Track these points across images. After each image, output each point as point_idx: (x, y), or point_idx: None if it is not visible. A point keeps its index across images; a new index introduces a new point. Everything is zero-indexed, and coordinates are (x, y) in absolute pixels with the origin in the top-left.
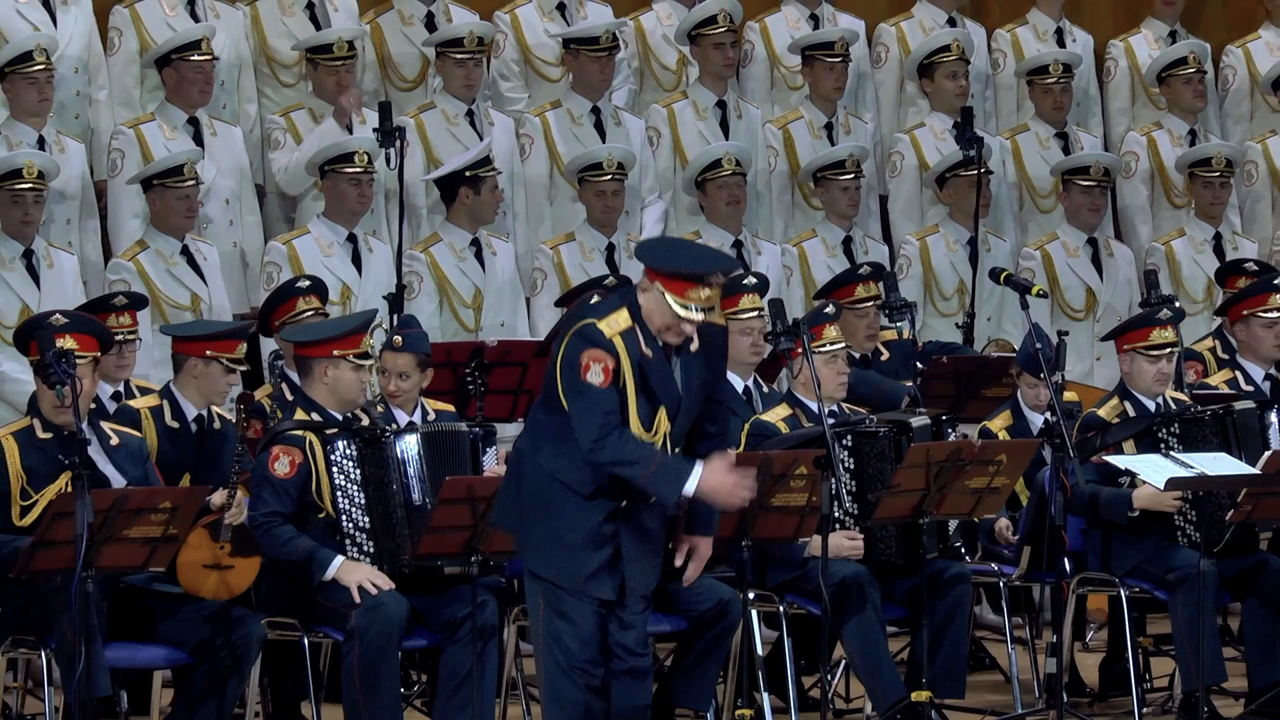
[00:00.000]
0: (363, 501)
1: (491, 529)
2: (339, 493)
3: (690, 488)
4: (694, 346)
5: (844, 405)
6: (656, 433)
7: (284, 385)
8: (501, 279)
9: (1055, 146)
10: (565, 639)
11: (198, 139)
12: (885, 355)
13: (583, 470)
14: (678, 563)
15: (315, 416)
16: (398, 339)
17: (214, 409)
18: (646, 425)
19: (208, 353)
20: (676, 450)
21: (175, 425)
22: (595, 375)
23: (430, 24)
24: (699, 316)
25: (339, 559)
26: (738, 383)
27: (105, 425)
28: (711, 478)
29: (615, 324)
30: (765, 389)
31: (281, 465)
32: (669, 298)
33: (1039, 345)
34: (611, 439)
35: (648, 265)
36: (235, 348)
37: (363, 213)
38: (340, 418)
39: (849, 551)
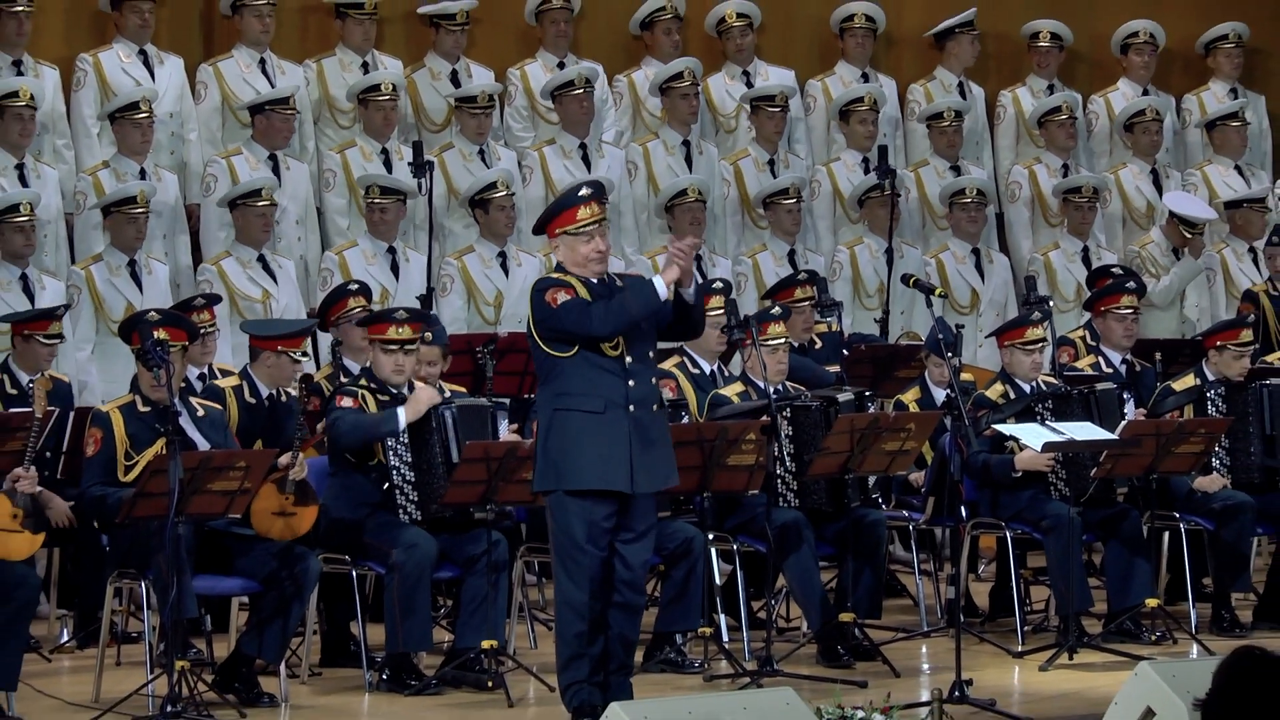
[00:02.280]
0: (409, 459)
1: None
2: (390, 452)
3: (660, 283)
4: (620, 284)
5: (786, 384)
6: (618, 348)
7: (340, 370)
8: (524, 285)
9: (949, 177)
10: (575, 533)
11: (276, 171)
12: (819, 345)
13: (587, 392)
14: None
15: (374, 386)
16: (427, 334)
17: (281, 388)
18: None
19: (279, 348)
20: (640, 364)
21: (252, 401)
22: (561, 296)
23: (455, 79)
24: (599, 230)
25: (400, 410)
26: (705, 365)
27: (193, 400)
28: (667, 272)
29: (558, 276)
30: (725, 372)
31: (345, 402)
32: (567, 232)
33: (941, 334)
34: (598, 313)
35: (540, 225)
36: (301, 344)
37: (393, 229)
38: (395, 391)
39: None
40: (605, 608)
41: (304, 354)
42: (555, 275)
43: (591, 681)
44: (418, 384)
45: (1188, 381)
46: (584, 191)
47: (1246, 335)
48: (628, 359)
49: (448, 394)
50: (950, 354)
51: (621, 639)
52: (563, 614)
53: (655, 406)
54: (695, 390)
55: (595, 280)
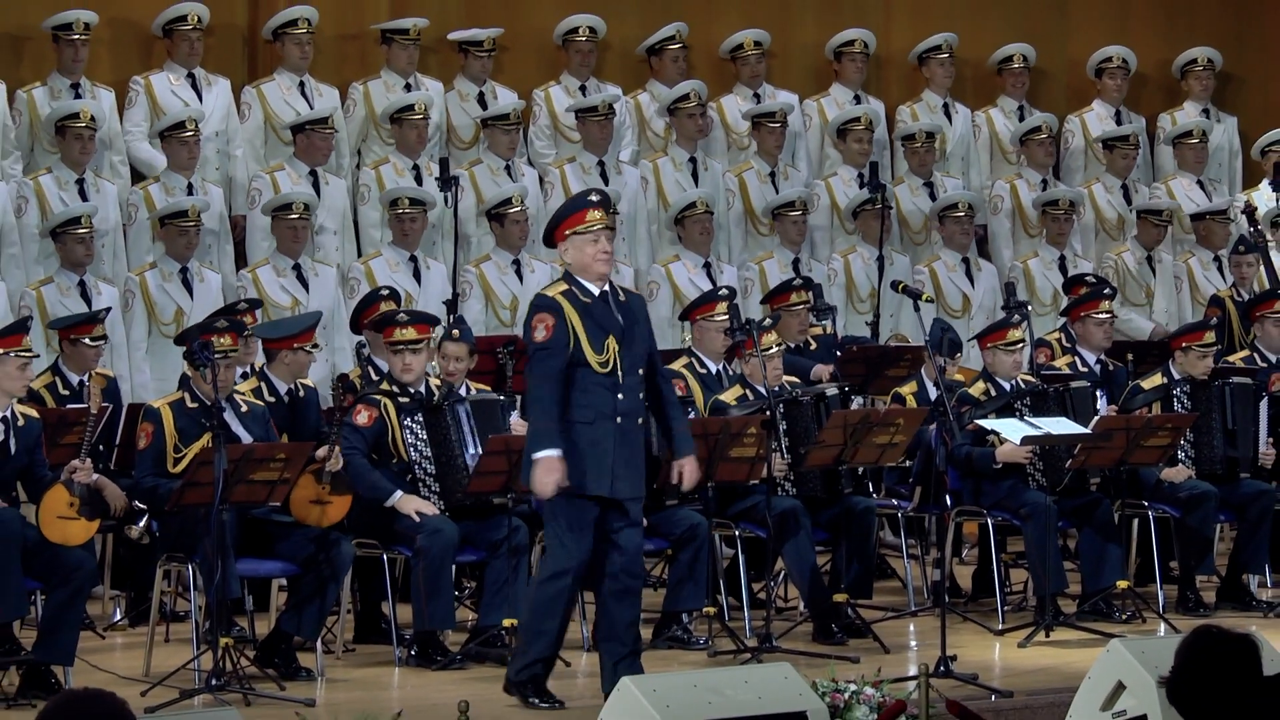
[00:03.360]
0: (430, 453)
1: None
2: (410, 448)
3: (535, 456)
4: (622, 297)
5: (784, 383)
6: (608, 353)
7: (370, 368)
8: (538, 289)
9: (924, 194)
10: (561, 525)
11: (315, 186)
12: (814, 346)
13: (578, 403)
14: (674, 479)
15: (394, 389)
16: (456, 332)
17: (300, 381)
18: (598, 349)
19: (294, 345)
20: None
21: (271, 400)
22: (540, 333)
23: (481, 100)
24: (607, 233)
25: (399, 492)
26: (711, 365)
27: (237, 396)
28: (537, 474)
29: (556, 287)
30: (730, 371)
31: (361, 417)
32: (577, 232)
33: (949, 336)
34: (546, 388)
35: (550, 229)
36: (311, 337)
37: (416, 239)
38: (414, 391)
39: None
40: (600, 598)
41: (315, 345)
42: (552, 294)
43: (541, 656)
44: (415, 500)
45: (1156, 380)
46: (593, 197)
47: (1209, 336)
48: (619, 374)
49: (473, 391)
50: (953, 355)
51: (626, 625)
52: (535, 593)
53: (639, 420)
54: (702, 389)
55: (597, 291)
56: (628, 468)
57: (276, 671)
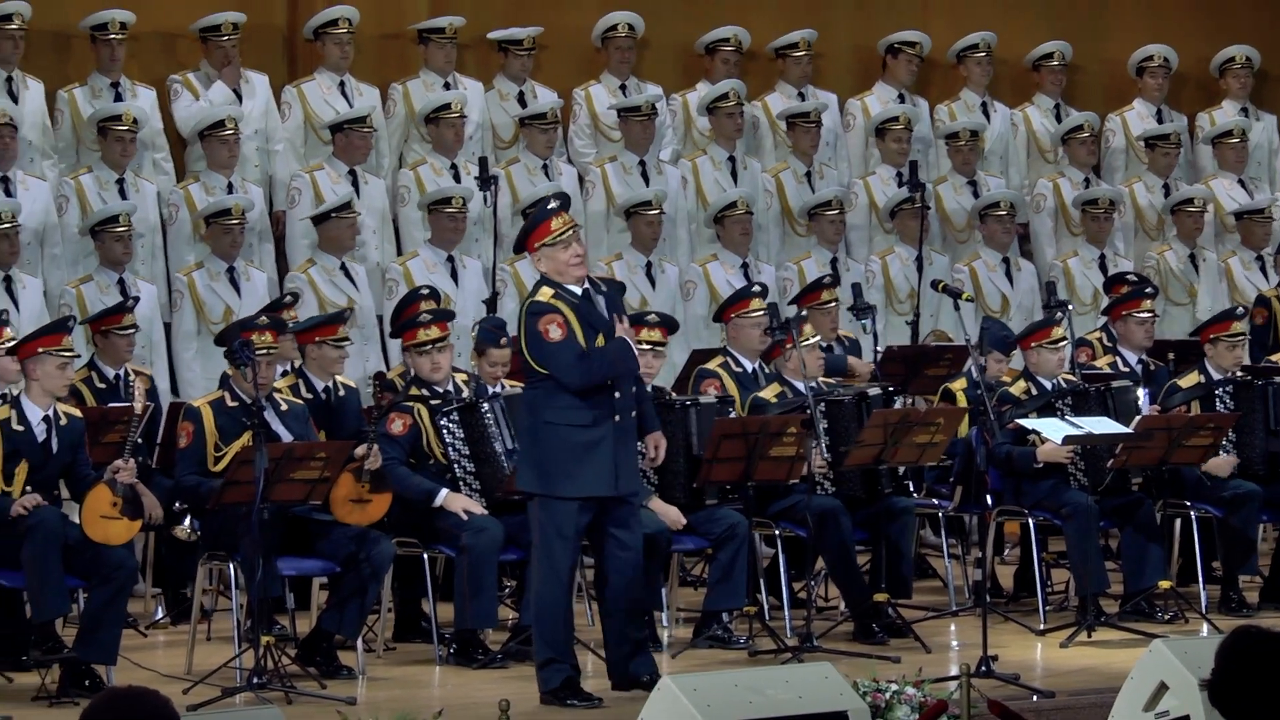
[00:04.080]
0: (467, 451)
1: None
2: (449, 447)
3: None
4: (603, 288)
5: (819, 381)
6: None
7: (410, 367)
8: None
9: (966, 192)
10: (559, 531)
11: (354, 185)
12: (846, 345)
13: (580, 409)
14: (649, 454)
15: (424, 392)
16: (504, 339)
17: (338, 379)
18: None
19: (317, 339)
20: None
21: (309, 397)
22: (554, 333)
23: (521, 99)
24: (573, 236)
25: (445, 491)
26: (747, 364)
27: (276, 394)
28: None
29: (544, 294)
30: (766, 370)
31: (396, 426)
32: (545, 244)
33: (988, 328)
34: (584, 366)
35: (519, 243)
36: (335, 331)
37: (458, 239)
38: (442, 391)
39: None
40: (607, 598)
41: (345, 340)
42: (543, 298)
43: (565, 660)
44: (462, 498)
45: (1192, 378)
46: (553, 204)
47: (1237, 327)
48: None
49: (506, 388)
50: (1006, 353)
51: (636, 619)
52: (543, 600)
53: (633, 414)
54: (739, 388)
55: (579, 290)
56: (628, 463)
57: (317, 670)
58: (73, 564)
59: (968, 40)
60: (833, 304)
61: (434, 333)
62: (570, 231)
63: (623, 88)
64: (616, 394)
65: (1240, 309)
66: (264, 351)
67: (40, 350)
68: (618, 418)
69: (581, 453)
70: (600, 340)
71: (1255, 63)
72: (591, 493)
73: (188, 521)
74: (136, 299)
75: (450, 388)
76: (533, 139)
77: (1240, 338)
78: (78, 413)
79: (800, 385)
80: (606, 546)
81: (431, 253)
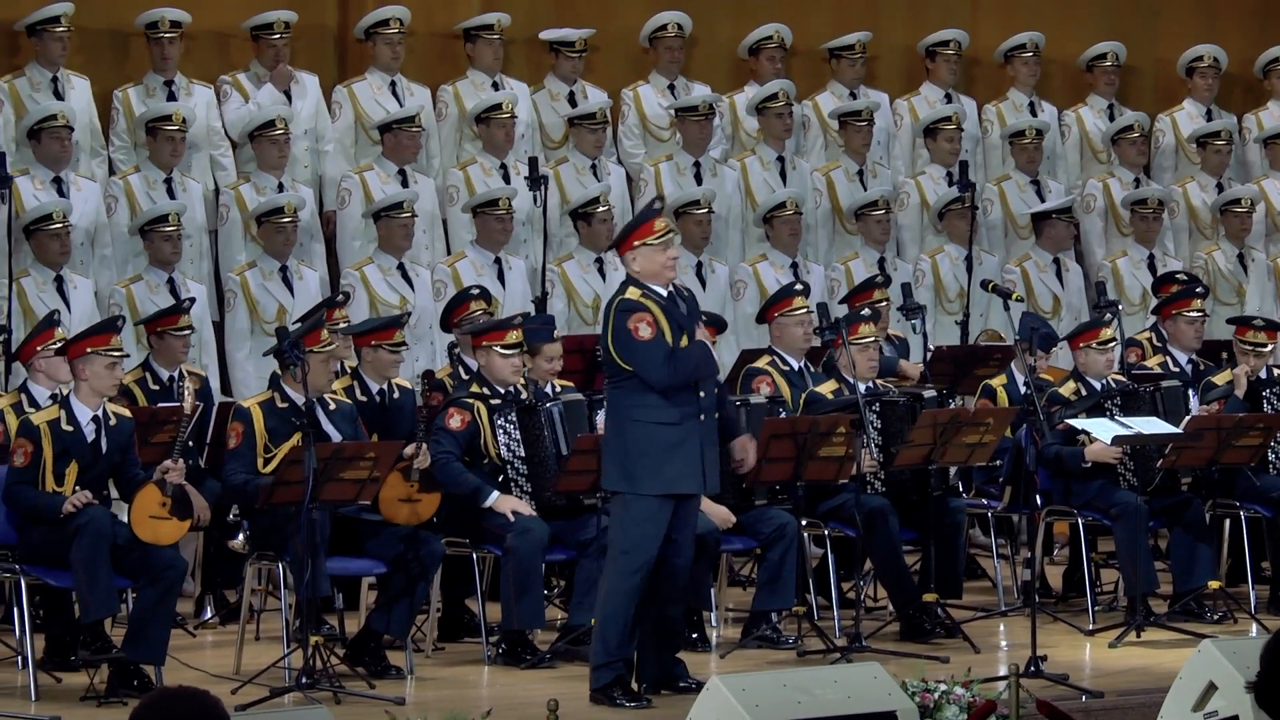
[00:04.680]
0: (522, 453)
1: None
2: (504, 447)
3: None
4: (685, 293)
5: (875, 381)
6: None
7: (460, 367)
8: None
9: (1030, 191)
10: (644, 532)
11: (404, 185)
12: (896, 346)
13: (665, 407)
14: (737, 457)
15: (485, 390)
16: (557, 332)
17: (394, 381)
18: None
19: (373, 342)
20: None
21: (364, 399)
22: (644, 331)
23: (572, 99)
24: (672, 239)
25: (496, 492)
26: (794, 362)
27: (326, 395)
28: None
29: (633, 293)
30: (813, 369)
31: (454, 421)
32: (647, 243)
33: (1036, 328)
34: (672, 366)
35: (621, 240)
36: (392, 335)
37: (505, 241)
38: (503, 391)
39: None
40: (657, 598)
41: (401, 344)
42: (633, 297)
43: (621, 660)
44: (511, 500)
45: (1226, 375)
46: (657, 205)
47: (1257, 336)
48: None
49: (558, 389)
50: (1047, 350)
51: (678, 617)
52: (614, 599)
53: (715, 414)
54: (789, 386)
55: (665, 292)
56: (714, 462)
57: (366, 670)
58: (121, 564)
59: (1015, 40)
60: (883, 304)
61: (518, 337)
62: (670, 234)
63: (671, 87)
64: (701, 393)
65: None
66: (318, 350)
67: (89, 350)
68: (703, 417)
69: (668, 450)
70: (684, 341)
71: None
72: (679, 490)
73: (241, 537)
74: (193, 300)
75: (512, 389)
76: (581, 139)
77: (1265, 344)
78: (127, 413)
79: (853, 382)
80: (662, 548)
81: (478, 254)
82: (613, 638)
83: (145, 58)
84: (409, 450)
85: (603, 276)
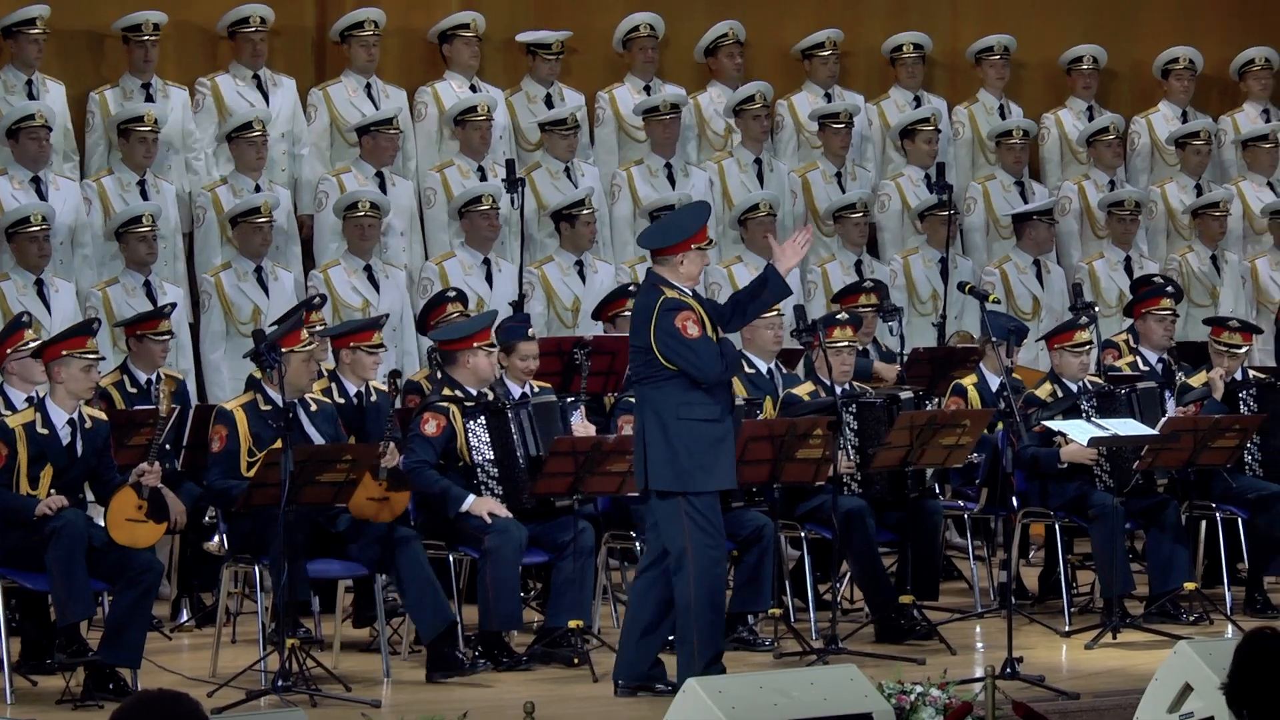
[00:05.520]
0: (492, 456)
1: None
2: (474, 451)
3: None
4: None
5: (851, 384)
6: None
7: (438, 370)
8: (600, 291)
9: (1014, 192)
10: (710, 529)
11: (382, 187)
12: (883, 352)
13: (709, 404)
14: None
15: (458, 393)
16: (532, 331)
17: (371, 383)
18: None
19: (351, 344)
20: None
21: (341, 401)
22: (692, 329)
23: (549, 102)
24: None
25: (472, 496)
26: (761, 364)
27: (308, 396)
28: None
29: (671, 291)
30: (784, 371)
31: (430, 426)
32: (700, 246)
33: (1005, 327)
34: (723, 362)
35: (679, 240)
36: (370, 337)
37: (493, 239)
38: (475, 394)
39: None
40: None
41: (378, 347)
42: (676, 295)
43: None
44: (488, 502)
45: (1202, 377)
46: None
47: (1232, 338)
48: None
49: (536, 390)
50: (1019, 343)
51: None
52: (708, 595)
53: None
54: (753, 389)
55: (692, 293)
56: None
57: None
58: (98, 567)
59: (984, 42)
60: (869, 309)
61: (490, 335)
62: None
63: (646, 89)
64: (730, 391)
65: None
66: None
67: (65, 353)
68: (732, 413)
69: (716, 446)
70: (715, 336)
71: (1275, 64)
72: (727, 485)
73: (217, 539)
74: (174, 305)
75: (484, 391)
76: (554, 144)
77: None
78: (103, 416)
79: (835, 386)
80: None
81: (468, 254)
82: (711, 636)
83: (121, 60)
84: (379, 449)
85: (583, 279)
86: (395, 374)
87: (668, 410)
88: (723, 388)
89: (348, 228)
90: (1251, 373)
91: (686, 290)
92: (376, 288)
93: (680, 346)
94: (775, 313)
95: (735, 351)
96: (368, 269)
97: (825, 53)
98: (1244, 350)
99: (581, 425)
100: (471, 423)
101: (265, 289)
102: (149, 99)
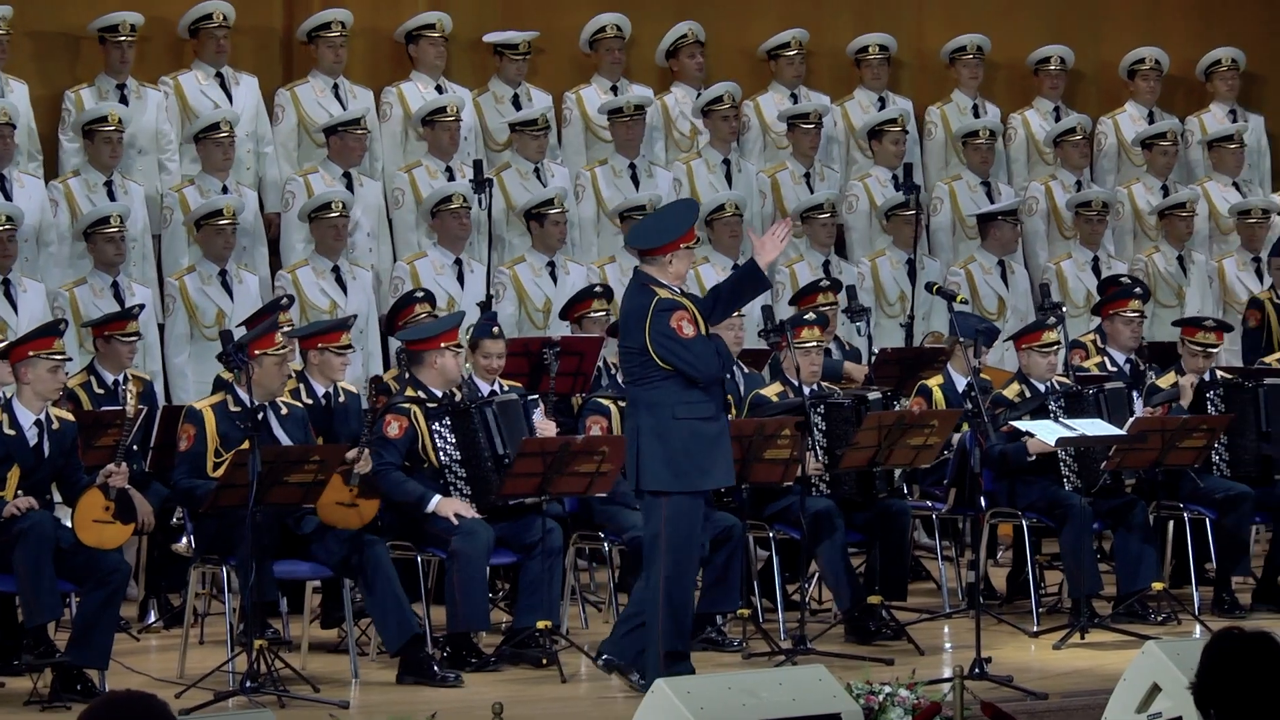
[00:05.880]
0: (458, 456)
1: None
2: (440, 452)
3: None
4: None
5: (820, 384)
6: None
7: (406, 371)
8: (572, 291)
9: (981, 192)
10: (694, 530)
11: (349, 187)
12: (846, 351)
13: (705, 402)
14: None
15: (420, 394)
16: (496, 329)
17: (340, 385)
18: None
19: (319, 345)
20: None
21: (309, 402)
22: (688, 329)
23: (516, 103)
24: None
25: (438, 496)
26: None
27: (279, 400)
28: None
29: (664, 291)
30: (745, 371)
31: (392, 429)
32: (689, 247)
33: (978, 327)
34: (720, 361)
35: (669, 240)
36: (339, 338)
37: (465, 239)
38: (440, 394)
39: None
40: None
41: (346, 347)
42: (669, 295)
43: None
44: (454, 502)
45: (1170, 378)
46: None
47: (1207, 337)
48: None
49: (504, 388)
50: (988, 344)
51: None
52: (679, 592)
53: None
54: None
55: (681, 291)
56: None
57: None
58: (65, 568)
59: (957, 42)
60: (828, 308)
61: (456, 335)
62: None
63: (614, 89)
64: (723, 389)
65: (1251, 322)
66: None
67: (31, 354)
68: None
69: (713, 445)
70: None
71: (1241, 64)
72: (723, 483)
73: (185, 540)
74: (142, 306)
75: (448, 391)
76: (523, 144)
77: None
78: (70, 416)
79: (803, 386)
80: None
81: (440, 254)
82: (679, 631)
83: (96, 60)
84: (351, 454)
85: (554, 280)
86: (377, 379)
87: (664, 411)
88: (717, 386)
89: (320, 229)
90: (1219, 373)
91: (676, 289)
92: (344, 289)
93: (677, 347)
94: (737, 314)
95: (727, 349)
96: (335, 270)
97: (791, 53)
98: (1217, 350)
99: (542, 422)
100: (437, 424)
101: (230, 292)
102: (123, 100)
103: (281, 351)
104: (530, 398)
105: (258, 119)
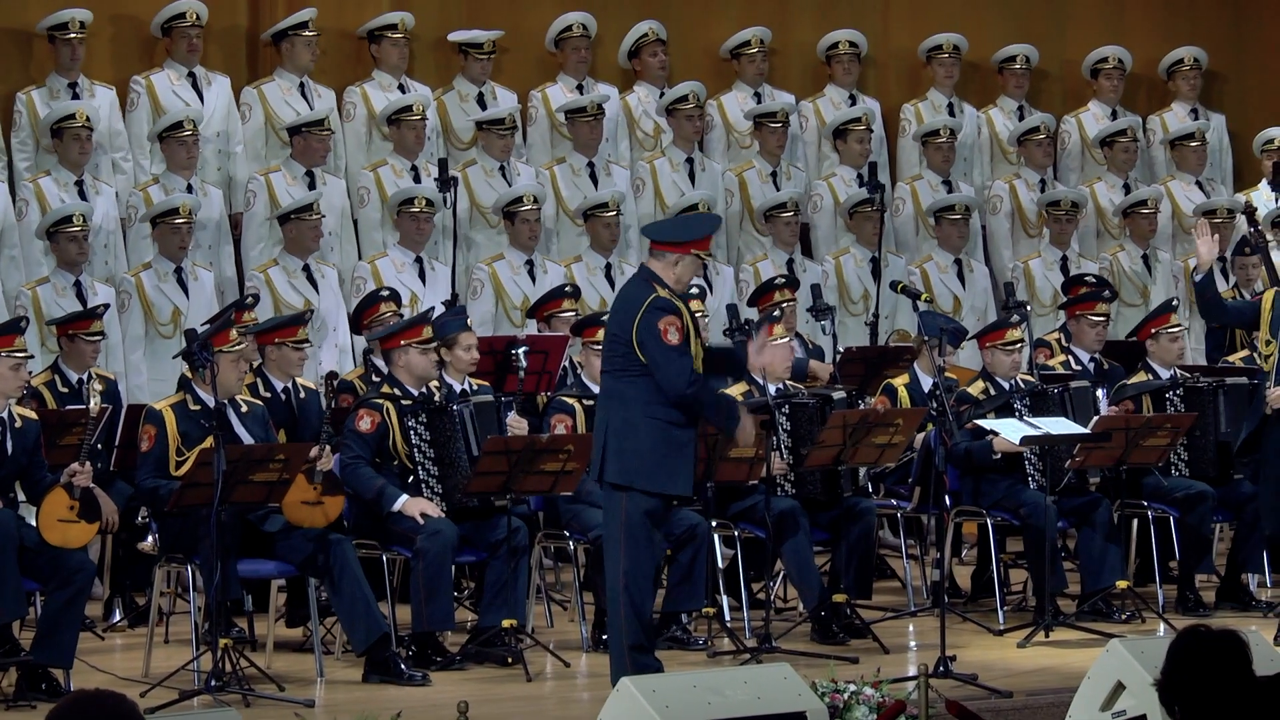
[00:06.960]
0: (432, 454)
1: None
2: (415, 449)
3: (736, 425)
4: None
5: (785, 383)
6: (697, 357)
7: (372, 369)
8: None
9: (942, 191)
10: (651, 526)
11: (312, 187)
12: (810, 349)
13: (676, 409)
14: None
15: (396, 391)
16: (469, 320)
17: (298, 381)
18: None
19: (276, 340)
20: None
21: (268, 396)
22: (673, 336)
23: (481, 101)
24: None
25: (404, 496)
26: None
27: (238, 397)
28: (745, 424)
29: (662, 291)
30: None
31: (364, 424)
32: (695, 254)
33: (944, 326)
34: (696, 385)
35: (683, 240)
36: (295, 333)
37: (424, 241)
38: (416, 393)
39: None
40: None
41: (304, 342)
42: (668, 296)
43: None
44: (420, 502)
45: (1140, 376)
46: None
47: (1174, 320)
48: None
49: (474, 387)
50: (956, 345)
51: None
52: (637, 582)
53: None
54: None
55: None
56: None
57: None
58: (30, 567)
59: (933, 41)
60: (785, 305)
61: (429, 332)
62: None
63: (579, 88)
64: None
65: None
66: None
67: None
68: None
69: (679, 451)
70: (695, 347)
71: (1203, 63)
72: (683, 492)
73: (151, 539)
74: (107, 306)
75: (425, 390)
76: (490, 143)
77: (1179, 328)
78: (33, 415)
79: (768, 386)
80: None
81: (400, 253)
82: (642, 619)
83: (46, 60)
84: (312, 452)
85: (532, 279)
86: (332, 375)
87: (636, 407)
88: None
89: (298, 229)
90: (1179, 372)
91: (676, 294)
92: (315, 287)
93: (656, 350)
94: (700, 313)
95: (726, 411)
96: (306, 269)
97: (753, 51)
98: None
99: (515, 420)
100: (412, 420)
101: (185, 289)
102: (75, 98)
103: (238, 348)
104: (505, 399)
105: (229, 118)
